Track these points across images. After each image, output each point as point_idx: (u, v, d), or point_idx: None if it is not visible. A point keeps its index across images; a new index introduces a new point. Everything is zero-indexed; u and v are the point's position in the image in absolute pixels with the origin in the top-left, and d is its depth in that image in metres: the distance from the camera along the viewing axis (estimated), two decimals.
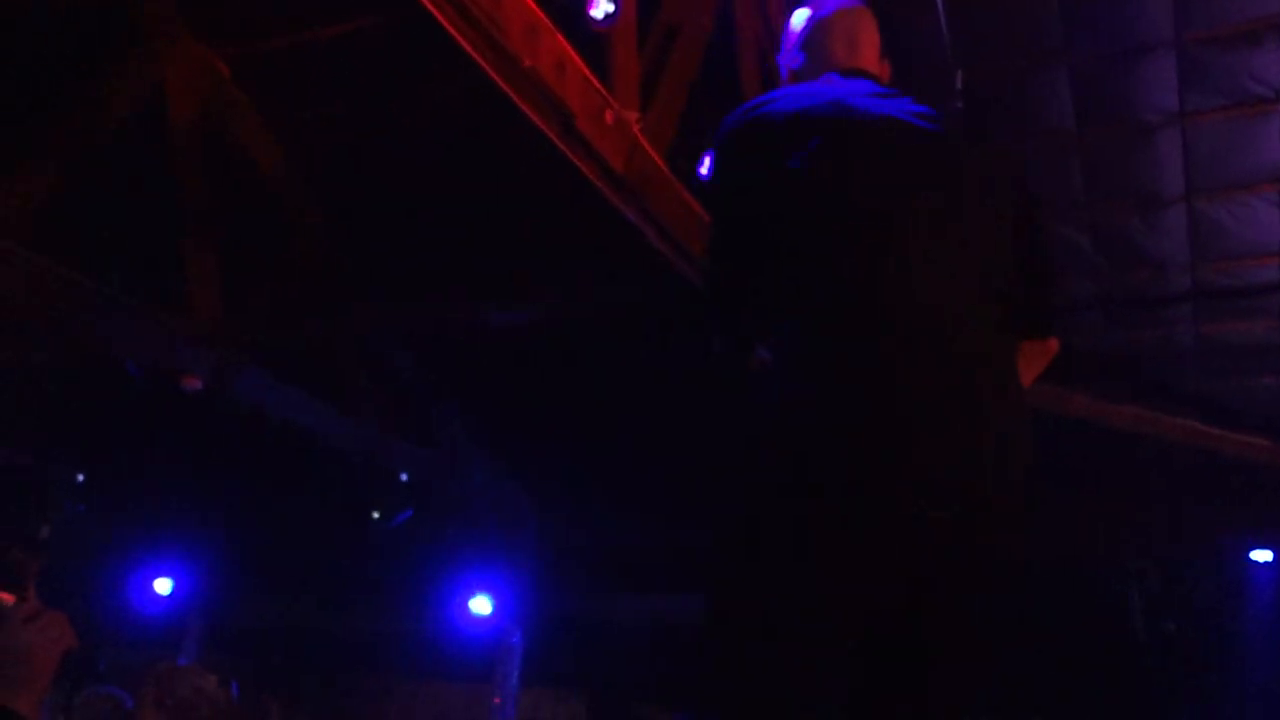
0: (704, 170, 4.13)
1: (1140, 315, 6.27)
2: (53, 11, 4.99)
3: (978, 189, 1.77)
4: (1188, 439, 6.43)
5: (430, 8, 2.97)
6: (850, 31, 2.01)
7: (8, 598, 1.71)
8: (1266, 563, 7.03)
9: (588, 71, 3.38)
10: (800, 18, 2.09)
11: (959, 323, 1.61)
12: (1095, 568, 7.31)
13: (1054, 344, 1.90)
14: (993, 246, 1.73)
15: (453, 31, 3.05)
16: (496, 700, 7.07)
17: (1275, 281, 5.79)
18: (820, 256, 1.65)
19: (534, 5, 3.21)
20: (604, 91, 3.44)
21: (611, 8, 3.40)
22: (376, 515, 6.26)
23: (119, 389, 5.52)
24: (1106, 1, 4.57)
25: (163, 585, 7.32)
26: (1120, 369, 6.57)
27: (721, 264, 1.87)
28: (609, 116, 3.42)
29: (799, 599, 1.49)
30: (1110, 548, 7.28)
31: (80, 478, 6.76)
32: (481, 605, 7.08)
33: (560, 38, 3.30)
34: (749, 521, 1.56)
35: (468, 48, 3.12)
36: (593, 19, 3.37)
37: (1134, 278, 6.02)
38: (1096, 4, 4.58)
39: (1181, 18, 4.53)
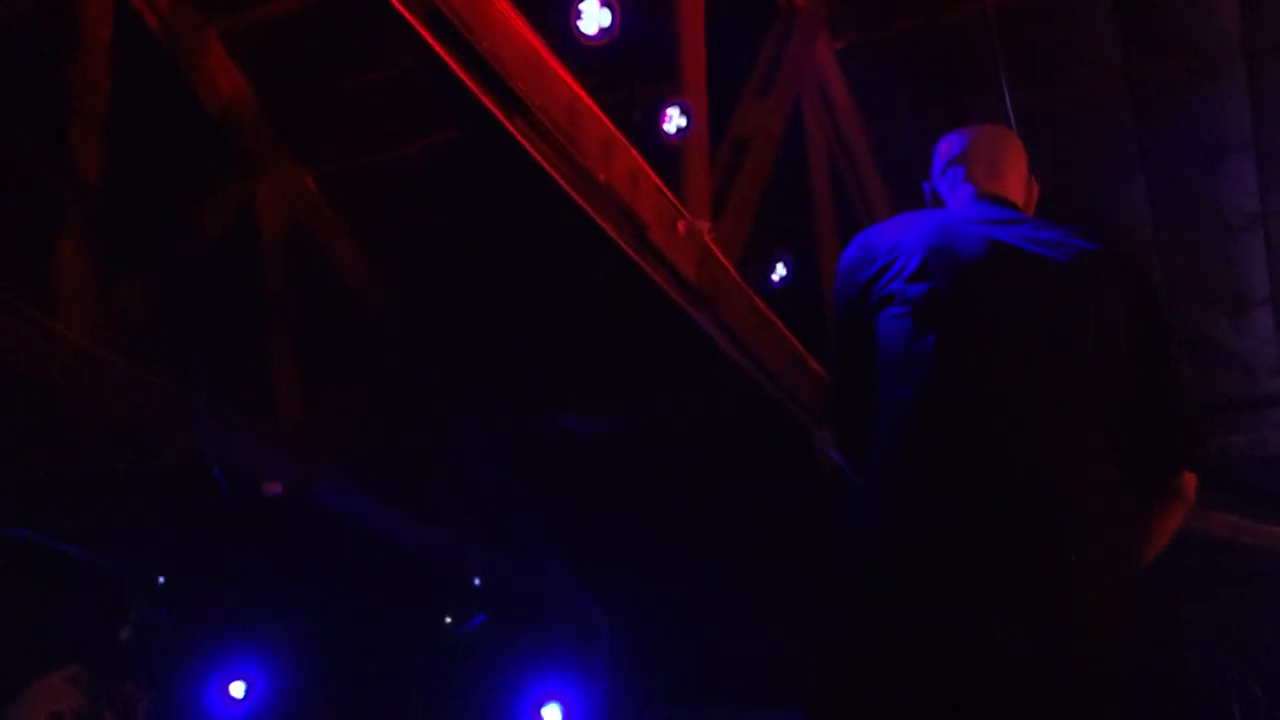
0: (776, 278, 4.16)
1: (1230, 419, 6.09)
2: (155, 131, 5.28)
3: (1095, 322, 1.72)
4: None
5: (509, 126, 3.08)
6: (991, 154, 2.00)
7: None
8: None
9: (660, 183, 3.46)
10: (947, 142, 2.10)
11: (1051, 458, 1.58)
12: (1195, 683, 6.97)
13: (1188, 484, 1.79)
14: (1108, 382, 1.68)
15: (530, 149, 3.16)
16: None
17: None
18: (910, 387, 1.64)
19: (608, 121, 3.31)
20: (676, 202, 3.50)
21: (684, 122, 3.49)
22: (449, 620, 6.25)
23: (200, 492, 5.64)
24: (1184, 103, 4.55)
25: (237, 689, 7.35)
26: (1212, 475, 6.36)
27: (835, 389, 1.92)
28: (681, 227, 3.47)
29: None
30: (1210, 662, 6.95)
31: (160, 580, 6.87)
32: (553, 715, 6.97)
33: (634, 151, 3.38)
34: (843, 651, 1.55)
35: (545, 164, 3.22)
36: (665, 133, 3.46)
37: (1222, 380, 5.87)
38: (1174, 107, 4.57)
39: (1259, 117, 4.50)
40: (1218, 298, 5.39)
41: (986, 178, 1.97)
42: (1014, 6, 4.25)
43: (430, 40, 2.83)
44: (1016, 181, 1.98)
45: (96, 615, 6.99)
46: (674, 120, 3.46)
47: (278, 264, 5.52)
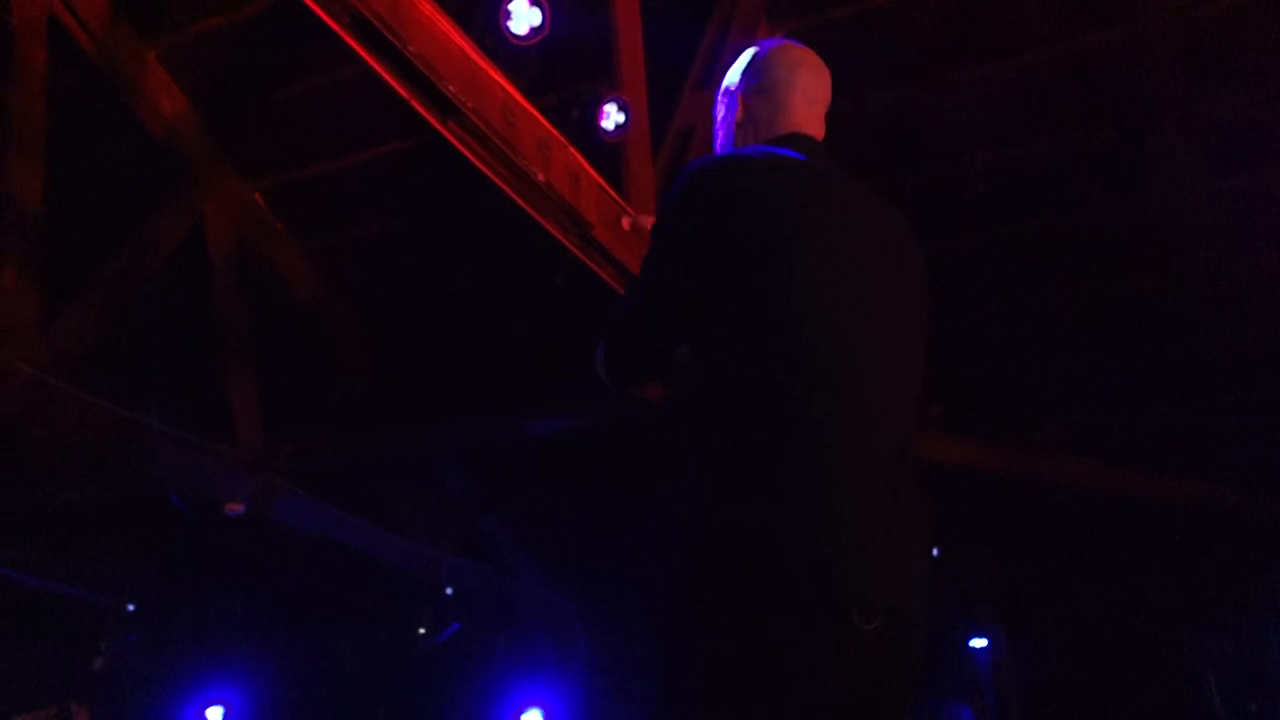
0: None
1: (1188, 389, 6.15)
2: (96, 154, 5.21)
3: (917, 288, 1.75)
4: (1251, 511, 6.22)
5: (443, 130, 3.06)
6: (814, 90, 1.87)
7: None
8: None
9: (602, 181, 3.45)
10: (776, 57, 1.91)
11: (898, 433, 1.60)
12: (1169, 651, 7.05)
13: None
14: (921, 352, 1.71)
15: (467, 153, 3.14)
16: None
17: None
18: (783, 338, 1.55)
19: (545, 122, 3.30)
20: (619, 199, 3.50)
21: (622, 118, 3.49)
22: (423, 631, 6.21)
23: (167, 516, 5.59)
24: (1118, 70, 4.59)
25: (214, 713, 7.28)
26: (1175, 445, 6.40)
27: (655, 314, 1.67)
28: (626, 223, 3.47)
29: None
30: (1183, 629, 7.03)
31: (131, 607, 6.80)
32: (532, 719, 6.96)
33: (573, 150, 3.38)
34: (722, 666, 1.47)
35: (483, 168, 3.21)
36: (604, 130, 3.45)
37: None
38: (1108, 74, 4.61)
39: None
40: None
41: (807, 117, 1.84)
42: None
43: (356, 46, 2.81)
44: (822, 121, 1.88)
45: (68, 646, 6.90)
46: (612, 117, 3.46)
47: (229, 282, 5.47)
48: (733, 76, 1.92)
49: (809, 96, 1.86)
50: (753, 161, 1.69)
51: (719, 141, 1.93)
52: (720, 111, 1.94)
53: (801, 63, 1.89)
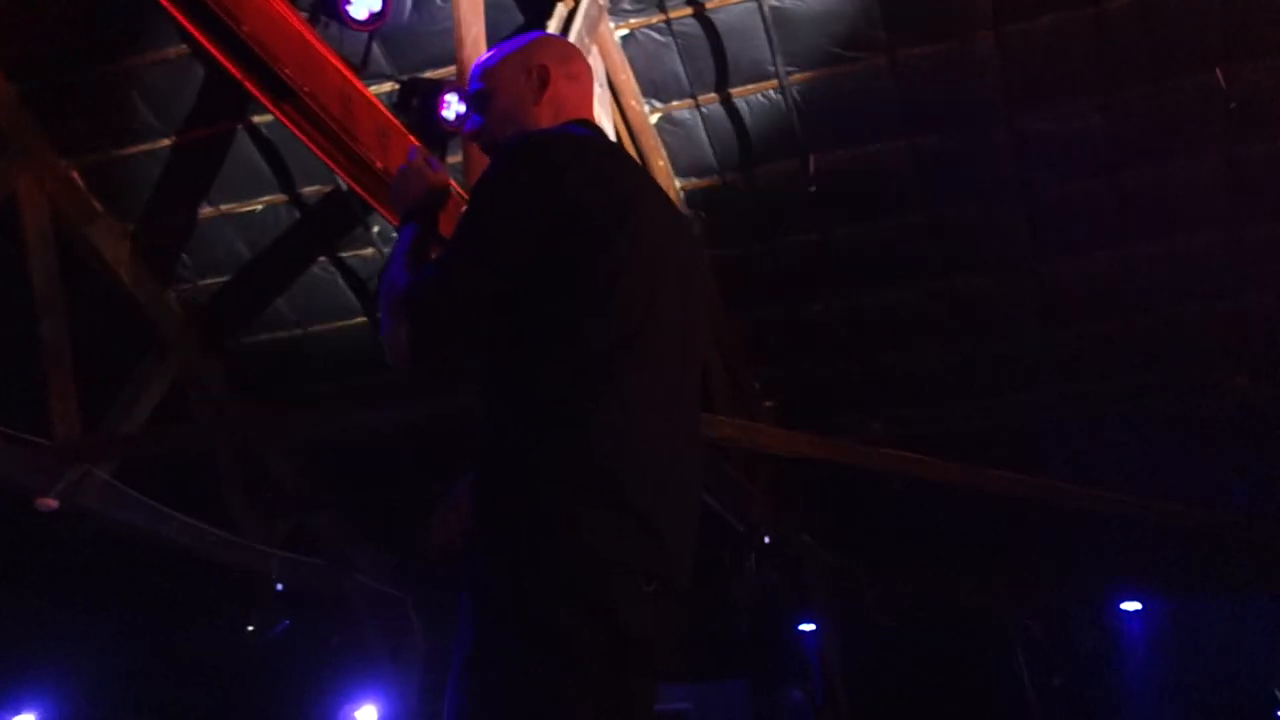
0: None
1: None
2: None
3: (704, 294, 1.86)
4: (1055, 499, 6.63)
5: (278, 114, 3.00)
6: (590, 90, 1.94)
7: None
8: (1136, 612, 7.29)
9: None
10: (574, 48, 1.95)
11: (695, 406, 1.74)
12: (983, 630, 7.46)
13: None
14: (703, 345, 1.84)
15: (302, 137, 3.09)
16: None
17: None
18: (608, 313, 1.58)
19: (384, 110, 3.27)
20: (460, 189, 3.49)
21: (463, 108, 3.48)
22: (251, 628, 6.02)
23: None
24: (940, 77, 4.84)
25: None
26: (995, 438, 6.74)
27: (478, 284, 1.58)
28: None
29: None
30: (997, 610, 7.44)
31: None
32: (368, 715, 6.85)
33: (412, 138, 3.35)
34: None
35: (319, 154, 3.16)
36: (444, 120, 3.44)
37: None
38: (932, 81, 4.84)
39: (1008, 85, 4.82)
40: None
41: (589, 110, 1.89)
42: None
43: (186, 24, 2.72)
44: None
45: None
46: (453, 106, 3.45)
47: (44, 264, 5.17)
48: (540, 52, 1.88)
49: (591, 101, 1.93)
50: (586, 140, 1.72)
51: (508, 112, 1.85)
52: (518, 81, 1.86)
53: (588, 65, 1.95)
